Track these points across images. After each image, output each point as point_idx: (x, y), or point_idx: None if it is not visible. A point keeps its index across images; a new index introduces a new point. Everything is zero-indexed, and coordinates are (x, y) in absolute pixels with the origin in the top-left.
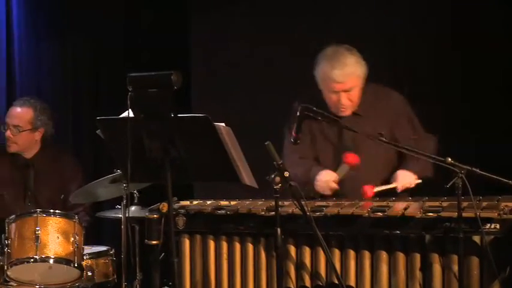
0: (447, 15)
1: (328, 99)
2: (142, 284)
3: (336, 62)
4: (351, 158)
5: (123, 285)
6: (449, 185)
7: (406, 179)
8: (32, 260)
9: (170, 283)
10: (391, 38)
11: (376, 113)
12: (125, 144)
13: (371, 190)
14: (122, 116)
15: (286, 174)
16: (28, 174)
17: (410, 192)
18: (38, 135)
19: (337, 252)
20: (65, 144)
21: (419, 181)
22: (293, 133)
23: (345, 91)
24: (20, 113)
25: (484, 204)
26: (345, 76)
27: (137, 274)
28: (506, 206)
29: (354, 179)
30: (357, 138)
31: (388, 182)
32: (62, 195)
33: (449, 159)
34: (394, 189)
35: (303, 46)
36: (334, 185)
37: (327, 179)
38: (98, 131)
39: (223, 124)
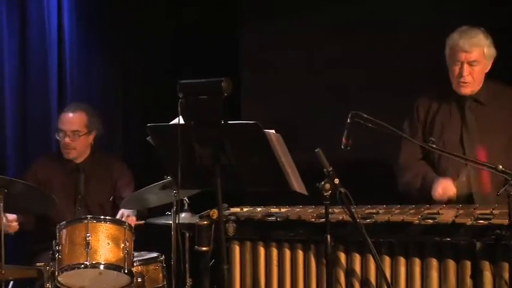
0: None
1: (451, 74)
2: None
3: (466, 33)
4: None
5: None
6: (500, 192)
7: (446, 189)
8: (82, 266)
9: None
10: None
11: (499, 105)
12: (175, 150)
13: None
14: (172, 122)
15: (337, 181)
16: (78, 179)
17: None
18: (91, 138)
19: (387, 259)
20: (115, 151)
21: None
22: (343, 140)
23: (469, 63)
24: (75, 117)
25: None
26: (471, 45)
27: (187, 280)
28: None
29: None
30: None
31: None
32: (111, 197)
33: (500, 167)
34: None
35: (354, 51)
36: (453, 195)
37: (447, 188)
38: (148, 138)
39: (273, 131)
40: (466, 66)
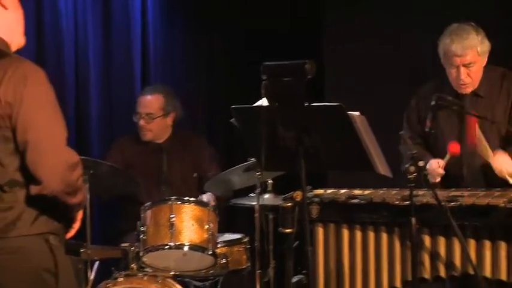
0: None
1: (449, 76)
2: (276, 272)
3: (456, 36)
4: (453, 147)
5: (257, 273)
6: None
7: (504, 162)
8: (167, 246)
9: (304, 271)
10: None
11: (497, 95)
12: (259, 132)
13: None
14: (256, 104)
15: (421, 163)
16: (161, 159)
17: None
18: (169, 120)
19: (472, 243)
20: (199, 132)
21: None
22: (428, 123)
23: (464, 66)
24: (151, 100)
25: None
26: (464, 49)
27: (271, 262)
28: None
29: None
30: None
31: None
32: (195, 174)
33: None
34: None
35: (435, 34)
36: (441, 172)
37: (434, 167)
38: (232, 120)
39: (357, 113)
40: (462, 69)
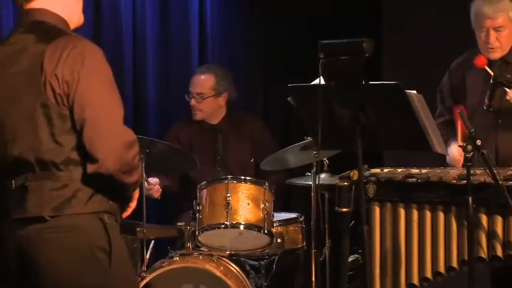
0: None
1: (478, 40)
2: (331, 251)
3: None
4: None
5: (313, 253)
6: None
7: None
8: (222, 226)
9: (360, 251)
10: None
11: None
12: (316, 111)
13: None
14: (313, 83)
15: (479, 142)
16: (216, 140)
17: None
18: (222, 101)
19: None
20: (256, 111)
21: None
22: (486, 100)
23: (494, 29)
24: (202, 80)
25: None
26: (495, 11)
27: (326, 241)
28: None
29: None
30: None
31: None
32: (252, 159)
33: None
34: None
35: None
36: (460, 156)
37: (454, 153)
38: (288, 98)
39: (414, 91)
40: (492, 32)
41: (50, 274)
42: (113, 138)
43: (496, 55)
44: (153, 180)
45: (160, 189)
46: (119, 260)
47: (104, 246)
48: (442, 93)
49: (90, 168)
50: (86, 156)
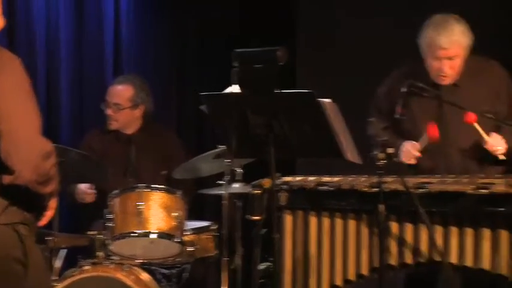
0: None
1: (430, 67)
2: (243, 259)
3: (443, 29)
4: (432, 130)
5: (224, 261)
6: None
7: (497, 142)
8: (134, 234)
9: (271, 259)
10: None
11: (476, 85)
12: (229, 119)
13: (473, 117)
14: (226, 91)
15: (390, 150)
16: (130, 150)
17: None
18: (138, 112)
19: (439, 230)
20: (169, 119)
21: (504, 158)
22: (398, 109)
23: (448, 58)
24: (120, 91)
25: None
26: (450, 43)
27: (238, 250)
28: None
29: (451, 153)
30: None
31: (479, 159)
32: (164, 172)
33: None
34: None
35: (408, 20)
36: (417, 153)
37: (409, 148)
38: (201, 107)
39: (328, 100)
40: (445, 62)
41: None
42: (29, 149)
43: (447, 82)
44: (85, 186)
45: (94, 193)
46: (35, 270)
47: (20, 257)
48: (380, 107)
49: (7, 179)
50: (1, 167)
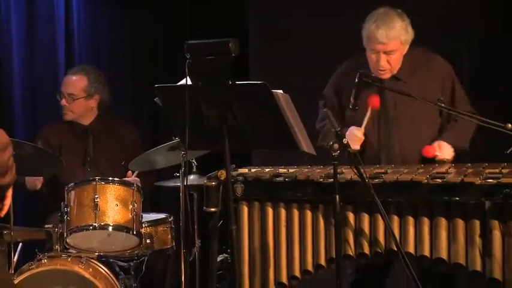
0: None
1: (369, 59)
2: (200, 251)
3: (383, 23)
4: (374, 100)
5: (182, 253)
6: (509, 151)
7: (445, 151)
8: (91, 227)
9: (228, 250)
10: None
11: (418, 78)
12: (183, 111)
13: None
14: (179, 83)
15: (345, 141)
16: (87, 141)
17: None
18: (93, 103)
19: (395, 219)
20: (124, 112)
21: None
22: (352, 100)
23: (385, 53)
24: (74, 81)
25: None
26: (388, 38)
27: (196, 241)
28: None
29: (393, 145)
30: (400, 105)
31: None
32: (123, 162)
33: (510, 125)
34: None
35: (360, 13)
36: (361, 136)
37: (354, 131)
38: (156, 99)
39: (281, 91)
40: (383, 55)
41: None
42: None
43: (386, 76)
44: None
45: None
46: None
47: None
48: (328, 99)
49: None
50: None
